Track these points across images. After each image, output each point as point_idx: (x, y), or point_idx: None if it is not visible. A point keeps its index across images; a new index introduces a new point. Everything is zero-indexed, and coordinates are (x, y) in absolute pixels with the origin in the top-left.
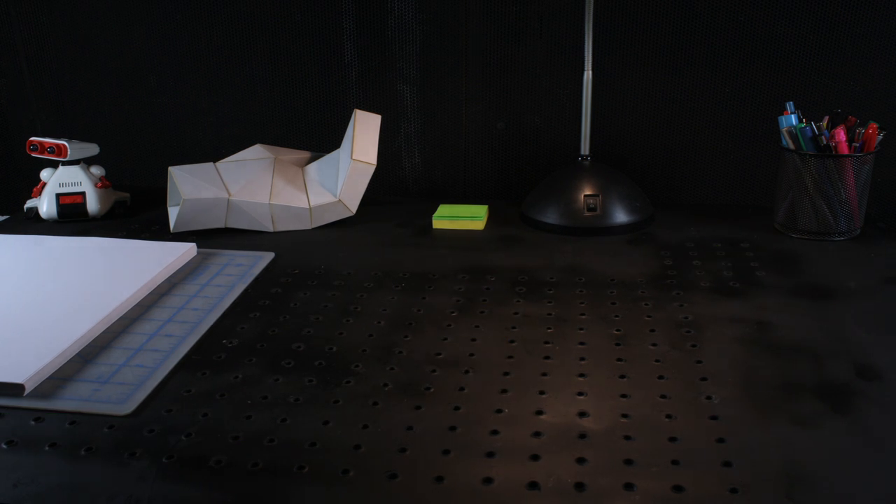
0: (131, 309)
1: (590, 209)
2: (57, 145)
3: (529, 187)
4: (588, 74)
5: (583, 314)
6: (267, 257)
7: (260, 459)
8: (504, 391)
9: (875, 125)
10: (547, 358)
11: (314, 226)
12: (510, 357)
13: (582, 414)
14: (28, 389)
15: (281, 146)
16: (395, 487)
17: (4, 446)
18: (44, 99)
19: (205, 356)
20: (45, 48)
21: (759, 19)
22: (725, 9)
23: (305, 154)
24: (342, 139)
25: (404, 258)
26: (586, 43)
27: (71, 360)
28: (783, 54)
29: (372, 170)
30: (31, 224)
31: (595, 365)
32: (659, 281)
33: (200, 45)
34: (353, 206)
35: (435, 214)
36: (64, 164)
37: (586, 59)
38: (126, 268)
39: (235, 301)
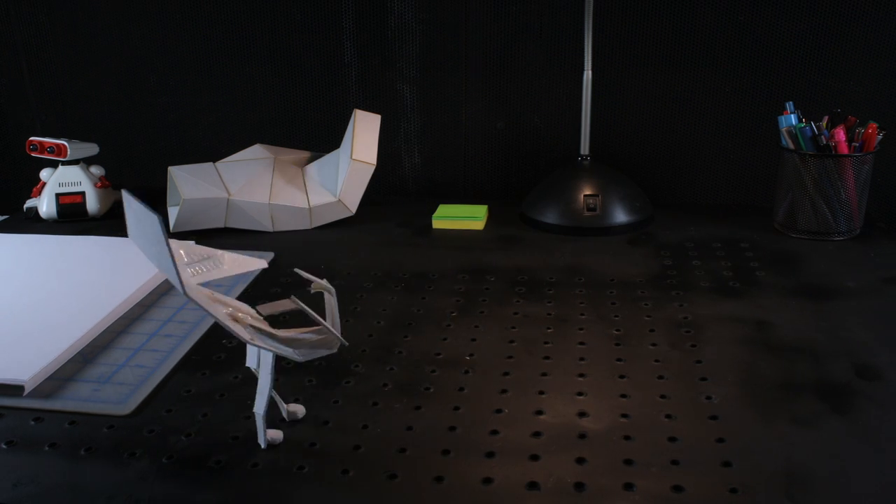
0: (131, 309)
1: (590, 209)
2: (57, 145)
3: (529, 187)
4: (588, 74)
5: (583, 314)
6: (267, 257)
7: (260, 459)
8: (504, 391)
9: (875, 125)
10: (547, 358)
11: (314, 226)
12: (510, 357)
13: (582, 414)
14: (28, 389)
15: (281, 146)
16: (395, 487)
17: (4, 446)
18: (44, 99)
19: (205, 356)
20: (45, 48)
21: (759, 19)
22: (725, 9)
23: (305, 154)
24: (342, 139)
25: (404, 258)
26: (586, 43)
27: (71, 360)
28: (783, 54)
29: (372, 170)
30: (31, 224)
31: (595, 365)
32: (659, 281)
33: (200, 45)
34: (352, 205)
35: (435, 214)
36: (64, 163)
37: (586, 59)
38: (126, 268)
39: None
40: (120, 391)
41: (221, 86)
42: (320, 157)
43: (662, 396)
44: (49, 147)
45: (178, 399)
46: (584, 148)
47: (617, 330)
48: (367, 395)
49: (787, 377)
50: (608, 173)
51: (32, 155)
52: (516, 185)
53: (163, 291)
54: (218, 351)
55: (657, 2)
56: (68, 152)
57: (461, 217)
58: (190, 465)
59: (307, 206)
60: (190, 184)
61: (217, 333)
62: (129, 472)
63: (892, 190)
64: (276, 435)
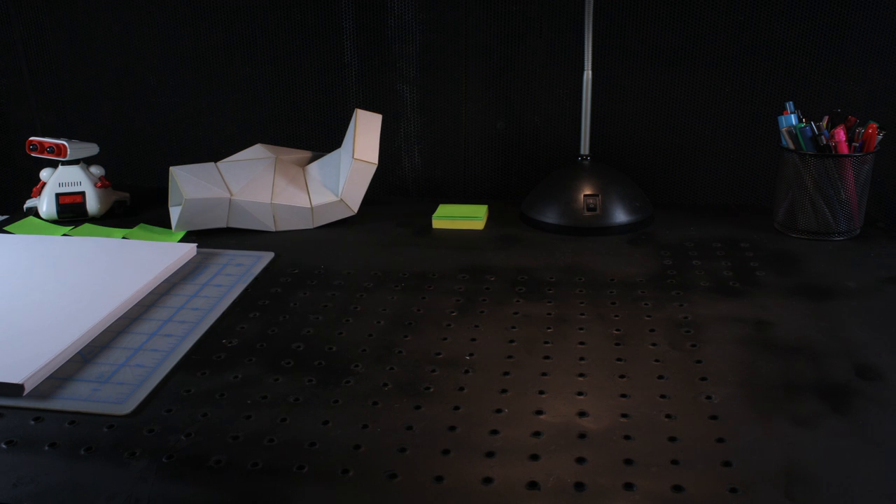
0: (131, 309)
1: (590, 209)
2: (57, 145)
3: (529, 187)
4: (588, 74)
5: (583, 314)
6: (267, 257)
7: (260, 459)
8: (504, 391)
9: (875, 125)
10: (547, 358)
11: (316, 225)
12: (510, 357)
13: (582, 414)
14: (28, 389)
15: (281, 146)
16: (395, 487)
17: (4, 446)
18: (44, 99)
19: (204, 356)
20: (45, 48)
21: (759, 19)
22: (725, 9)
23: (306, 153)
24: (343, 139)
25: (404, 258)
26: (586, 43)
27: (71, 360)
28: (783, 54)
29: (373, 169)
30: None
31: (595, 365)
32: (659, 281)
33: (200, 45)
34: (354, 205)
35: (435, 214)
36: (64, 163)
37: (586, 58)
38: (126, 268)
39: (235, 301)
40: (120, 391)
41: (221, 86)
42: (321, 156)
43: (662, 396)
44: (49, 147)
45: (178, 399)
46: (584, 148)
47: (617, 330)
48: (367, 395)
49: (787, 377)
50: (608, 173)
51: (32, 155)
52: (516, 185)
53: (163, 291)
54: (218, 351)
55: (657, 2)
56: (68, 152)
57: (461, 217)
58: (190, 465)
59: (309, 206)
60: (192, 184)
61: (217, 333)
62: (129, 471)
63: (892, 190)
64: None
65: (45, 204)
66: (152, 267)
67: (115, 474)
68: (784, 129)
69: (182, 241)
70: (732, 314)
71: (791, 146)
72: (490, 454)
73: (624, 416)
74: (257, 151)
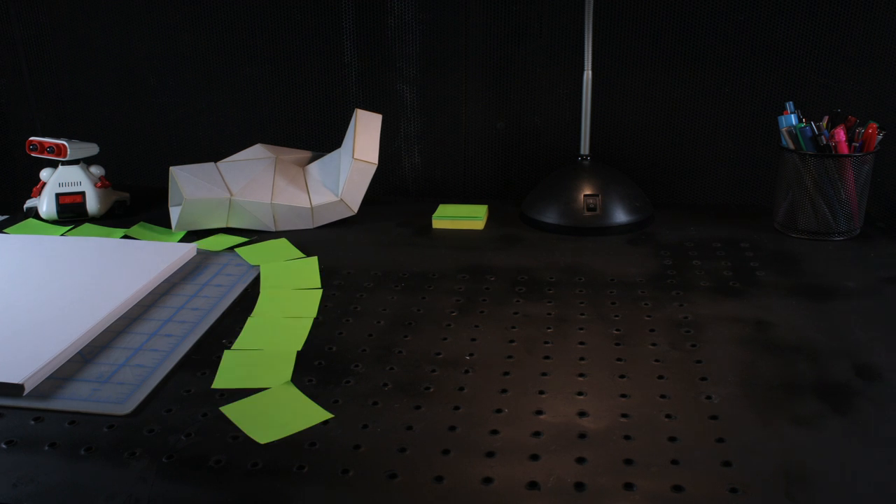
0: (131, 309)
1: (590, 209)
2: (57, 145)
3: (529, 187)
4: (588, 74)
5: (583, 314)
6: None
7: (260, 459)
8: (504, 391)
9: (875, 125)
10: (547, 358)
11: (315, 225)
12: (510, 357)
13: (582, 414)
14: (28, 389)
15: (281, 146)
16: (395, 487)
17: (4, 446)
18: (44, 99)
19: (205, 356)
20: (45, 48)
21: (758, 19)
22: (725, 9)
23: (306, 153)
24: (343, 139)
25: (404, 258)
26: (586, 43)
27: (71, 360)
28: (783, 54)
29: (373, 169)
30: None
31: (595, 365)
32: (659, 281)
33: (200, 45)
34: (354, 205)
35: (435, 214)
36: (64, 163)
37: (586, 58)
38: (126, 268)
39: (235, 301)
40: (120, 391)
41: (221, 86)
42: (321, 156)
43: (662, 396)
44: (49, 147)
45: (178, 399)
46: (584, 148)
47: (617, 330)
48: (367, 395)
49: (787, 377)
50: (608, 173)
51: (32, 155)
52: (516, 185)
53: (163, 291)
54: (218, 351)
55: (657, 2)
56: (68, 152)
57: (461, 217)
58: (190, 465)
59: (309, 206)
60: (192, 184)
61: (217, 333)
62: (129, 471)
63: (892, 190)
64: None
65: (45, 204)
66: (152, 267)
67: (115, 474)
68: (784, 129)
69: (182, 241)
70: (732, 314)
71: (791, 146)
72: (490, 454)
73: (624, 416)
74: (257, 151)
